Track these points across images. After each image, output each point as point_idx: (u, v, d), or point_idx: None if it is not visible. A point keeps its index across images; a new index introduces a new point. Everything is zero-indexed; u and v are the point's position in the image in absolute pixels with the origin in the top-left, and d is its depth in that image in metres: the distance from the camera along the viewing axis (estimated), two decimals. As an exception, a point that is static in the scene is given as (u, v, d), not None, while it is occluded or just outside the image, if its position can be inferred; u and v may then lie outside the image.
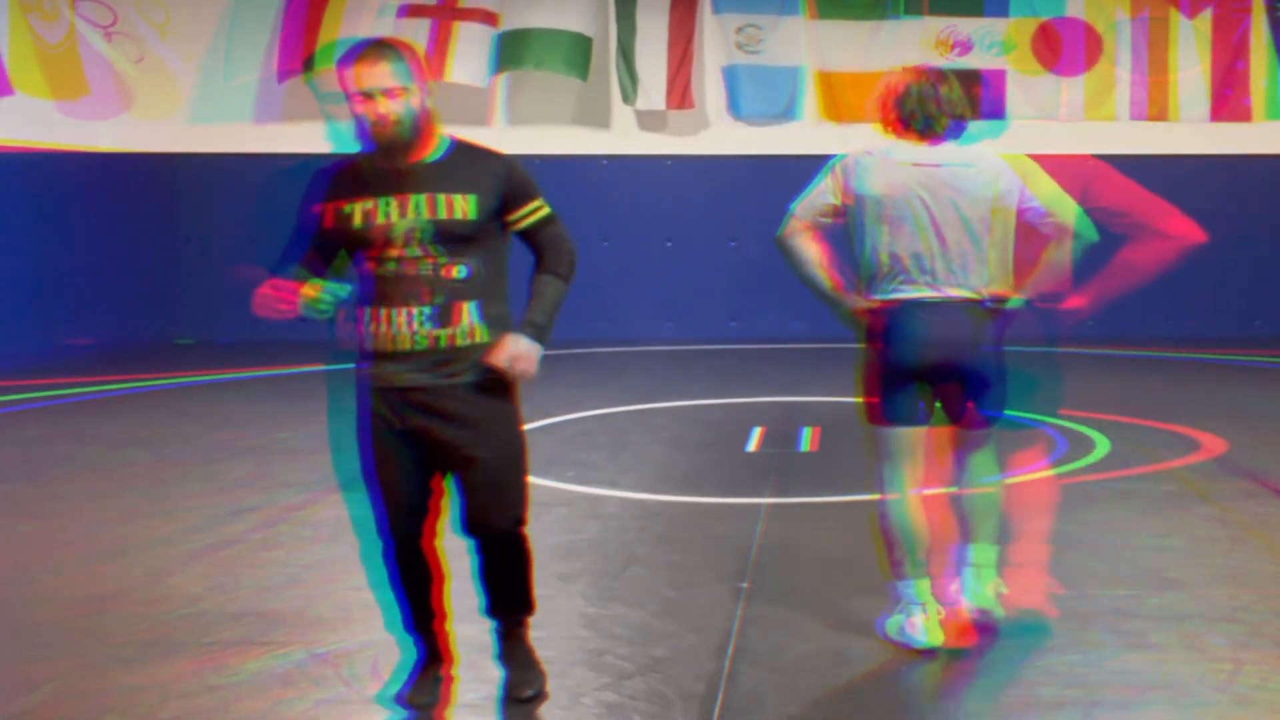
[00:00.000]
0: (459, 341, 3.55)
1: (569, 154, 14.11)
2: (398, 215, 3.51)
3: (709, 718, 3.69)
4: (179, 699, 3.83)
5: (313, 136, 14.25)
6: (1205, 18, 13.96)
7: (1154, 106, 13.98)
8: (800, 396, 9.88)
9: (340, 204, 3.58)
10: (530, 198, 3.64)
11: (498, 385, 3.62)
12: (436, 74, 13.65)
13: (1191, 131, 13.91)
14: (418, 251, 3.52)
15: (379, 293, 3.56)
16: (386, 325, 3.55)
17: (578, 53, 13.76)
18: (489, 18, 13.81)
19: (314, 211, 3.64)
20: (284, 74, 13.95)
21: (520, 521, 3.76)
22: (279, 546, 5.58)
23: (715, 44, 14.23)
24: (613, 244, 13.76)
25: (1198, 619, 4.52)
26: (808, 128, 14.22)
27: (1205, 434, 8.00)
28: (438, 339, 3.54)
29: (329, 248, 3.67)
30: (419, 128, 3.52)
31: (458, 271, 3.54)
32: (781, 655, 4.20)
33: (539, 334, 3.57)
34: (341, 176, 3.62)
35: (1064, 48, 14.06)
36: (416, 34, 13.71)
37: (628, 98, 13.99)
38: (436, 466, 3.70)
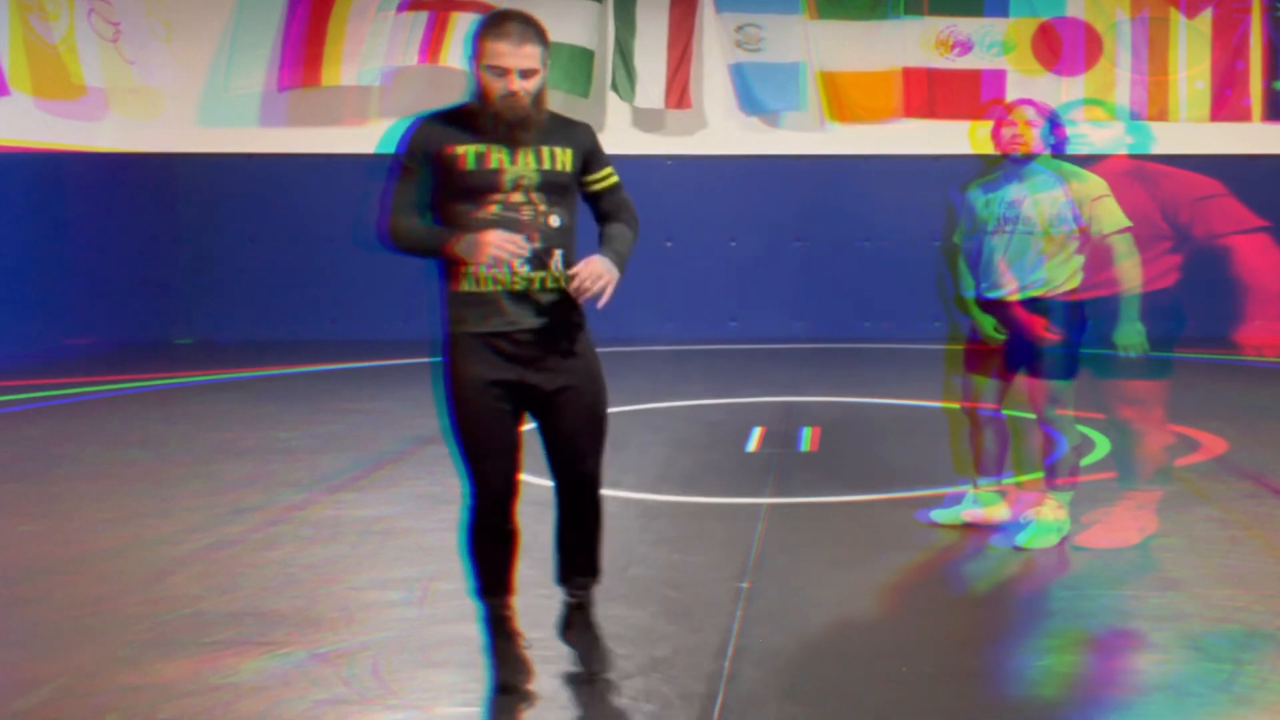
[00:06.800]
0: (549, 284, 3.73)
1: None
2: (509, 162, 3.68)
3: (709, 718, 3.69)
4: (179, 699, 3.83)
5: (315, 139, 14.28)
6: (1205, 18, 13.96)
7: (1154, 106, 13.98)
8: (800, 396, 9.89)
9: (450, 147, 3.68)
10: (607, 163, 3.88)
11: (580, 330, 3.83)
12: (433, 59, 13.67)
13: (1191, 131, 13.91)
14: (521, 199, 3.69)
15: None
16: (487, 266, 3.66)
17: (577, 67, 13.73)
18: (487, 9, 13.83)
19: (424, 154, 3.69)
20: (285, 85, 13.96)
21: (601, 466, 3.97)
22: (279, 546, 5.58)
23: (715, 44, 14.23)
24: (612, 244, 13.76)
25: (1198, 619, 4.52)
26: (808, 128, 14.22)
27: (1205, 434, 8.00)
28: (531, 281, 3.71)
29: (426, 192, 3.74)
30: (540, 102, 3.70)
31: (554, 220, 3.72)
32: (781, 655, 4.20)
33: (619, 261, 3.73)
34: (449, 121, 3.74)
35: (1064, 48, 14.06)
36: (414, 23, 13.71)
37: (625, 96, 13.98)
38: (521, 416, 3.85)
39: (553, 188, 3.71)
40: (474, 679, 4.00)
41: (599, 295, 3.64)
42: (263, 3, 14.02)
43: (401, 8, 13.76)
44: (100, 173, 13.31)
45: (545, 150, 3.71)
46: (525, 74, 3.63)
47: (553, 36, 13.30)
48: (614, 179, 3.89)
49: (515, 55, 3.61)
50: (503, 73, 3.62)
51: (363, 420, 8.84)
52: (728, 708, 3.75)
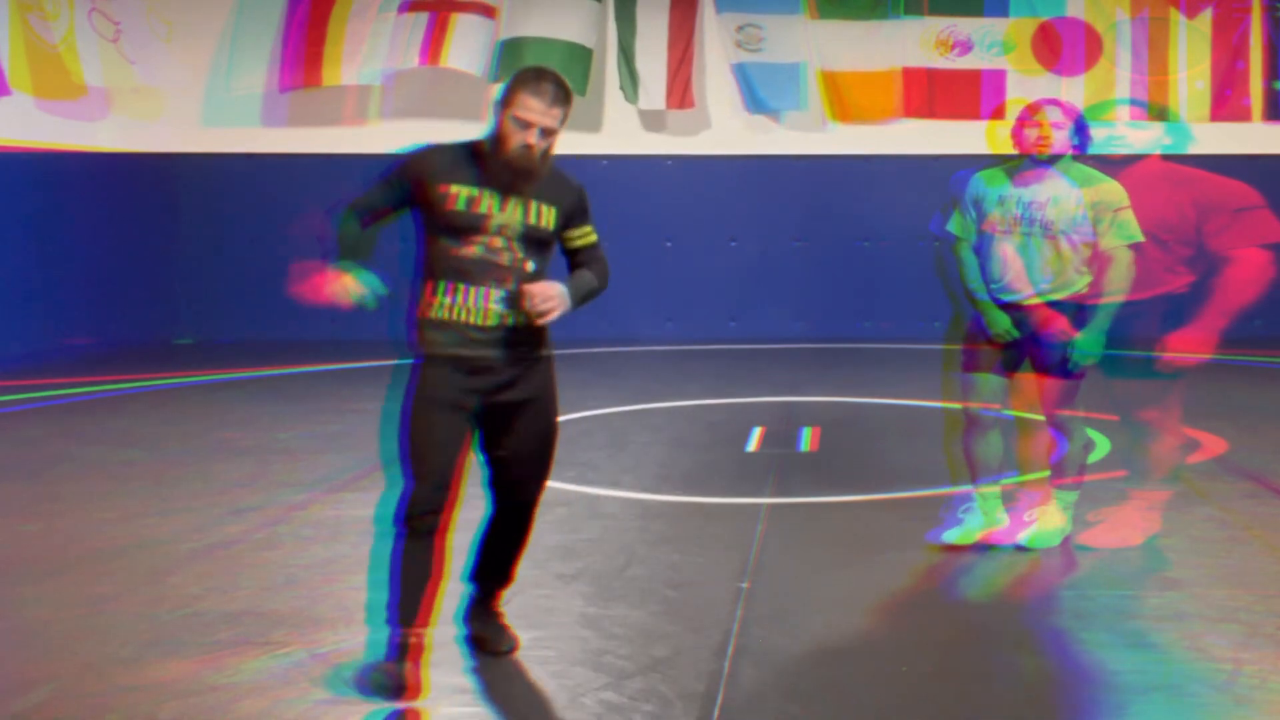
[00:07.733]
0: (520, 323, 3.91)
1: (568, 154, 14.10)
2: (498, 209, 3.87)
3: (709, 718, 3.69)
4: (179, 699, 3.83)
5: (316, 140, 14.28)
6: (1205, 18, 13.96)
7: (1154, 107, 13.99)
8: (800, 396, 9.89)
9: (446, 184, 3.87)
10: (588, 223, 4.12)
11: (547, 368, 4.04)
12: (434, 60, 13.68)
13: (1192, 131, 13.91)
14: (501, 244, 3.88)
15: (457, 270, 3.87)
16: (463, 298, 3.87)
17: (574, 65, 13.71)
18: (487, 10, 13.84)
19: (411, 179, 3.90)
20: (286, 86, 13.96)
21: (541, 494, 4.15)
22: (279, 546, 5.58)
23: (716, 44, 14.23)
24: (613, 244, 13.56)
25: (1198, 619, 4.52)
26: (809, 127, 14.23)
27: (1205, 434, 8.00)
28: (505, 318, 3.89)
29: (397, 211, 3.97)
30: (547, 156, 3.90)
31: (530, 266, 3.91)
32: (781, 655, 4.20)
33: (574, 297, 3.96)
34: (454, 157, 3.93)
35: (1064, 48, 14.06)
36: (414, 25, 13.72)
37: (630, 98, 13.99)
38: (469, 440, 3.95)
39: (533, 240, 3.92)
40: (474, 679, 4.00)
41: (543, 314, 3.83)
42: (263, 3, 14.02)
43: (402, 9, 13.78)
44: (100, 173, 13.31)
45: (533, 204, 3.91)
46: (546, 132, 3.83)
47: (551, 34, 13.28)
48: (592, 238, 4.13)
49: (544, 115, 3.81)
50: (526, 126, 3.81)
51: (363, 420, 8.83)
52: (728, 708, 3.75)
